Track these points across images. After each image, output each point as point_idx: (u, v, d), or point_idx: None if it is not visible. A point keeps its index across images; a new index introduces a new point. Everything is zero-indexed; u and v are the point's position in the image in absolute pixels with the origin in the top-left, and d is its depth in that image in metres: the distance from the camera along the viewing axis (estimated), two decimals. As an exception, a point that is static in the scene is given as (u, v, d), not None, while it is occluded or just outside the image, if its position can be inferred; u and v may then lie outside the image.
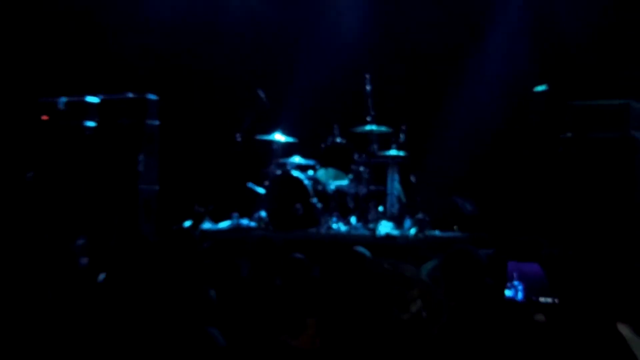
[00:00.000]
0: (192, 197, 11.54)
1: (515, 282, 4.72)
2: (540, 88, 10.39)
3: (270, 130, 11.14)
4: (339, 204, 10.71)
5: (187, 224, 11.25)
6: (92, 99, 11.21)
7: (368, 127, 10.82)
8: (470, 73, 11.52)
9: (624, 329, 3.89)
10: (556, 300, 4.74)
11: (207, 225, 11.16)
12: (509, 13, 11.50)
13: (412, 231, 10.16)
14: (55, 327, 3.70)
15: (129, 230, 10.16)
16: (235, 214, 11.15)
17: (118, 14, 12.79)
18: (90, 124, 11.09)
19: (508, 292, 4.79)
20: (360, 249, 7.21)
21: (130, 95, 11.13)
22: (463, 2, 11.74)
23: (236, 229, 10.88)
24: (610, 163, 9.30)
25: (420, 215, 10.37)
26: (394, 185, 10.77)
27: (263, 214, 10.86)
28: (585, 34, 10.90)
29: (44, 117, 11.24)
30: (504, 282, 5.05)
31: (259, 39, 12.50)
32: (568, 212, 9.37)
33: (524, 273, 4.65)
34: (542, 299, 4.81)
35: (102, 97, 11.22)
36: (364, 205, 10.69)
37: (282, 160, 10.96)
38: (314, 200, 10.51)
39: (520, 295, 4.72)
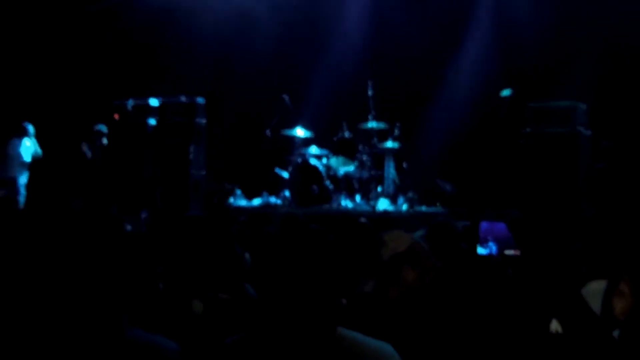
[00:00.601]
0: (231, 180, 11.62)
1: (490, 243, 4.78)
2: (506, 92, 10.47)
3: (292, 126, 11.16)
4: (346, 185, 10.79)
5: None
6: (153, 102, 11.35)
7: (370, 124, 10.90)
8: (449, 80, 11.59)
9: (600, 284, 3.93)
10: (519, 252, 4.72)
11: (242, 202, 11.28)
12: (481, 30, 11.55)
13: (404, 207, 10.36)
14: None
15: (180, 208, 10.36)
16: (265, 193, 11.26)
17: (174, 33, 12.72)
18: (152, 121, 11.26)
19: (483, 250, 4.85)
20: (363, 219, 7.51)
21: (183, 99, 11.30)
22: (444, 23, 11.58)
23: (265, 206, 11.04)
24: (560, 151, 9.51)
25: (410, 194, 10.52)
26: (390, 171, 10.85)
27: (287, 193, 10.94)
28: (540, 49, 10.97)
29: (116, 116, 11.45)
30: (476, 246, 5.01)
31: (284, 53, 12.41)
32: (528, 188, 9.59)
33: (496, 234, 4.61)
34: (507, 252, 4.77)
35: (161, 100, 11.39)
36: (366, 186, 10.80)
37: (301, 151, 11.02)
38: (327, 182, 10.62)
39: (494, 251, 4.66)
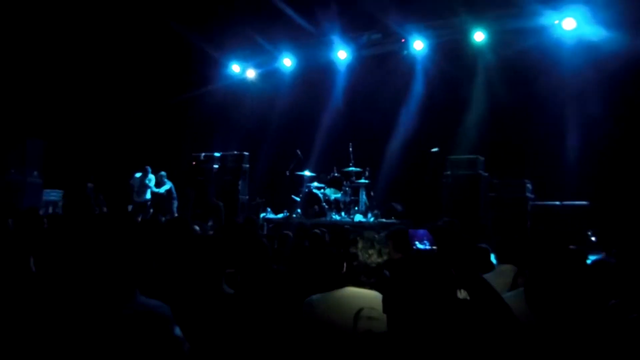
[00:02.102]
0: (265, 203, 11.54)
1: (425, 240, 4.82)
2: (435, 149, 10.41)
3: (302, 170, 11.23)
4: (336, 206, 10.80)
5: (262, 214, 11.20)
6: (216, 154, 11.74)
7: (350, 168, 10.88)
8: (396, 140, 11.43)
9: (506, 267, 3.85)
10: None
11: (271, 215, 11.20)
12: (417, 107, 11.35)
13: (372, 219, 10.30)
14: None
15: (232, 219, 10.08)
16: (285, 211, 11.33)
17: (230, 112, 12.86)
18: (215, 166, 11.65)
19: (421, 246, 4.85)
20: (347, 226, 8.32)
21: (235, 152, 11.69)
22: (395, 105, 11.43)
23: (286, 218, 11.01)
24: (468, 186, 9.59)
25: (376, 212, 10.56)
26: (363, 197, 10.86)
27: (299, 210, 10.93)
28: (454, 120, 10.76)
29: (193, 163, 11.77)
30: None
31: (296, 124, 12.40)
32: (449, 208, 9.57)
33: (419, 235, 4.58)
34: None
35: (221, 153, 11.77)
36: (348, 206, 10.82)
37: (308, 184, 10.99)
38: (324, 204, 10.63)
39: (428, 247, 4.63)
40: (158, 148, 12.50)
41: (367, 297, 2.26)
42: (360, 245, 2.62)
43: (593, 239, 8.18)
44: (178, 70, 12.31)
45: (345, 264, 2.65)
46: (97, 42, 11.79)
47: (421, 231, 1.99)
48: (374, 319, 2.40)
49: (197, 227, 4.81)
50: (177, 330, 2.07)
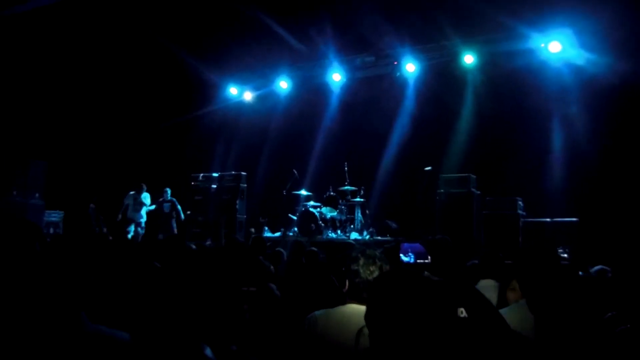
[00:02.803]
0: (262, 222, 11.43)
1: (410, 254, 4.29)
2: (428, 168, 10.44)
3: (299, 189, 11.21)
4: (332, 224, 10.79)
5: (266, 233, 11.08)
6: (215, 174, 11.71)
7: (346, 187, 10.96)
8: (390, 159, 11.55)
9: (488, 281, 3.80)
10: (429, 261, 4.17)
11: (268, 234, 11.12)
12: (411, 128, 11.47)
13: (367, 237, 10.27)
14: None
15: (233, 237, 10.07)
16: (282, 229, 11.21)
17: (227, 134, 13.17)
18: (214, 186, 11.60)
19: (405, 259, 4.34)
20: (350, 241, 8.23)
21: (233, 172, 11.67)
22: (387, 125, 11.56)
23: (283, 236, 10.89)
24: (461, 204, 9.68)
25: (371, 229, 10.55)
26: (358, 215, 10.88)
27: (295, 229, 10.88)
28: (445, 140, 11.02)
29: (193, 183, 11.72)
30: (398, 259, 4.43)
31: (293, 145, 12.49)
32: (442, 224, 9.61)
33: (414, 249, 4.12)
34: (421, 261, 4.24)
35: (219, 173, 11.74)
36: (344, 225, 10.85)
37: (304, 203, 10.95)
38: (320, 222, 10.57)
39: (412, 260, 4.21)
40: (157, 169, 12.52)
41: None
42: (361, 262, 2.55)
43: (565, 255, 8.30)
44: (177, 92, 12.43)
45: (347, 281, 2.60)
46: (98, 64, 11.90)
47: (406, 245, 1.94)
48: None
49: (193, 246, 4.72)
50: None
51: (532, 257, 2.67)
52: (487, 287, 3.74)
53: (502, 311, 2.46)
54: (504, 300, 3.39)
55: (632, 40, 8.75)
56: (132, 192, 11.75)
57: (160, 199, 11.82)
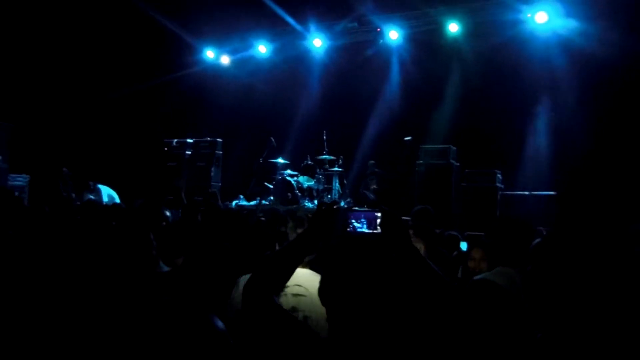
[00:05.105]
0: (238, 190, 11.21)
1: (362, 220, 4.70)
2: (408, 138, 10.42)
3: (276, 157, 11.03)
4: (309, 194, 10.74)
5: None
6: (189, 140, 11.51)
7: (324, 156, 10.86)
8: (370, 129, 11.43)
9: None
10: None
11: (244, 202, 10.87)
12: (392, 96, 11.41)
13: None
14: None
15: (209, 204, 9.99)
16: (258, 198, 10.88)
17: (203, 99, 12.68)
18: (188, 152, 11.43)
19: (358, 225, 4.61)
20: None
21: (208, 138, 11.48)
22: (369, 94, 11.47)
23: (258, 205, 10.41)
24: (440, 175, 9.67)
25: (348, 199, 10.63)
26: (336, 185, 10.86)
27: (271, 198, 10.77)
28: (427, 110, 10.97)
29: (165, 149, 11.55)
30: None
31: (271, 111, 12.30)
32: (421, 195, 9.50)
33: (368, 216, 4.54)
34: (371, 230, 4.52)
35: (194, 139, 11.54)
36: (321, 194, 10.77)
37: (281, 172, 10.84)
38: (297, 192, 10.55)
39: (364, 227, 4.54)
40: (129, 133, 12.13)
41: (295, 274, 2.12)
42: (290, 224, 2.64)
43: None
44: (151, 54, 11.99)
45: (277, 244, 2.62)
46: (67, 23, 11.39)
47: (373, 212, 1.90)
48: (300, 296, 2.39)
49: (168, 213, 4.67)
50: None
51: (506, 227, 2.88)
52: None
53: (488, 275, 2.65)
54: (466, 268, 3.75)
55: (619, 8, 8.66)
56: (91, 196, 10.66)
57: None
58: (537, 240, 2.40)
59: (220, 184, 11.23)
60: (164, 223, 4.23)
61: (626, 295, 2.37)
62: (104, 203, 9.36)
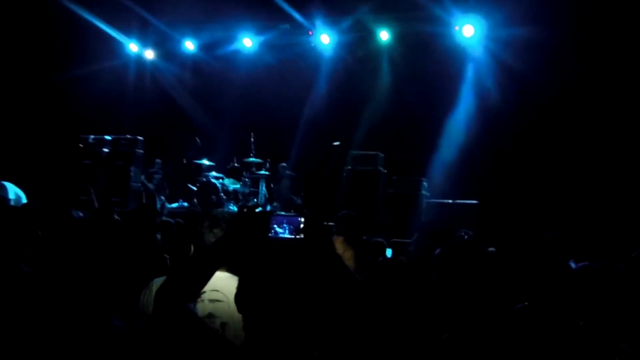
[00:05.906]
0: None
1: (284, 225, 4.62)
2: (336, 143, 10.35)
3: (201, 158, 10.74)
4: (234, 197, 10.56)
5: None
6: (108, 137, 10.84)
7: (251, 159, 10.68)
8: (299, 132, 11.41)
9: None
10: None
11: (166, 205, 10.71)
12: (323, 101, 11.37)
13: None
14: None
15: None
16: (180, 200, 10.93)
17: (126, 95, 12.47)
18: (106, 150, 10.76)
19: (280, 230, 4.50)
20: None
21: (128, 136, 10.87)
22: (299, 99, 11.34)
23: (180, 208, 10.64)
24: (368, 182, 9.65)
25: (275, 204, 10.57)
26: (262, 189, 10.76)
27: (195, 200, 10.50)
28: (358, 117, 10.96)
29: (81, 145, 10.84)
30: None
31: (197, 111, 12.09)
32: (348, 201, 9.32)
33: (291, 222, 4.50)
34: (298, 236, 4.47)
35: (113, 136, 10.89)
36: (247, 198, 10.60)
37: (206, 174, 10.60)
38: (222, 194, 10.35)
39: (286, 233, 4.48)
40: (40, 127, 11.34)
41: (213, 278, 1.99)
42: (206, 223, 2.52)
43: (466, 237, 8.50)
44: (65, 44, 11.37)
45: (192, 246, 2.64)
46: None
47: (295, 218, 1.86)
48: (217, 302, 2.34)
49: (80, 214, 4.58)
50: None
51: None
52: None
53: None
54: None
55: (543, 22, 9.06)
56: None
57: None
58: (438, 250, 2.27)
59: (139, 184, 10.76)
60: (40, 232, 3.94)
61: (540, 302, 2.45)
62: (11, 202, 8.72)
